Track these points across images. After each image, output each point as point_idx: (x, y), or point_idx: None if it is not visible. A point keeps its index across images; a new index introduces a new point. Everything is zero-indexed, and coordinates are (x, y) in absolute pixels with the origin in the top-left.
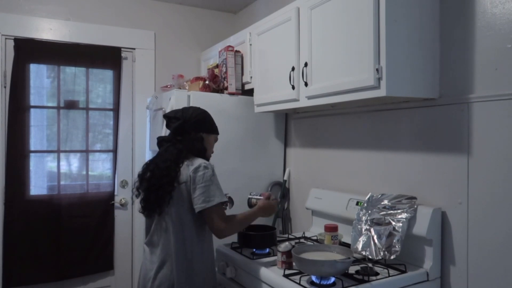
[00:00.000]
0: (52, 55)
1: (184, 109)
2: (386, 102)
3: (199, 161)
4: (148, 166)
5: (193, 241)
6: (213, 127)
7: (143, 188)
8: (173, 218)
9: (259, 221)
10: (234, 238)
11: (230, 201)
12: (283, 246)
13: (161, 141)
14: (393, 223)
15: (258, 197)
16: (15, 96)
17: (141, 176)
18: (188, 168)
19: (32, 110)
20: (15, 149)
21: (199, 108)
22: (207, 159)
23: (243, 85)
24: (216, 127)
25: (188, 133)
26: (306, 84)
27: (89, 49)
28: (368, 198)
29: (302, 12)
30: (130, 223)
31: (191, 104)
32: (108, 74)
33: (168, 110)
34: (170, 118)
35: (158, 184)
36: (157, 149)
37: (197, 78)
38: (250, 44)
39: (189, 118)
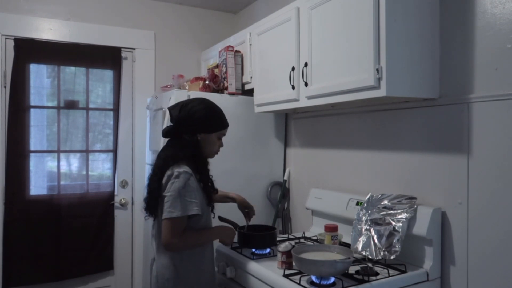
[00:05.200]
0: (52, 55)
1: (183, 105)
2: (386, 102)
3: (177, 169)
4: (153, 165)
5: None
6: (213, 125)
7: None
8: (158, 224)
9: (259, 221)
10: (234, 237)
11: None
12: (283, 246)
13: (165, 134)
14: (393, 223)
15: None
16: (15, 96)
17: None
18: (168, 176)
19: (32, 110)
20: (15, 149)
21: (200, 103)
22: (206, 159)
23: (243, 85)
24: (221, 122)
25: (181, 135)
26: (306, 84)
27: (89, 49)
28: (368, 198)
29: (302, 12)
30: (130, 223)
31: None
32: (108, 74)
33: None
34: (170, 113)
35: (149, 190)
36: (157, 149)
37: (197, 78)
38: (250, 44)
39: (183, 119)
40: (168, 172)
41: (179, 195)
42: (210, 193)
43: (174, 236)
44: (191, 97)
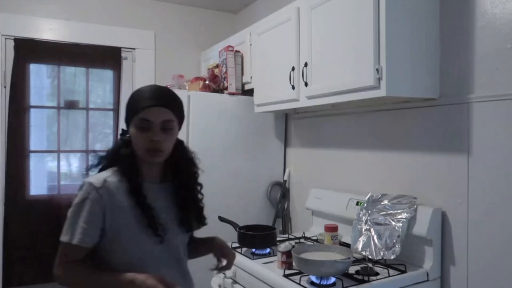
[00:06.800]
0: (52, 55)
1: None
2: (386, 102)
3: (86, 179)
4: None
5: None
6: (128, 110)
7: None
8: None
9: (259, 221)
10: (234, 237)
11: None
12: (283, 246)
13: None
14: (393, 223)
15: None
16: (15, 96)
17: None
18: None
19: (32, 110)
20: (15, 149)
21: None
22: (134, 160)
23: (243, 85)
24: (135, 104)
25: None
26: (306, 84)
27: (89, 49)
28: (368, 198)
29: (302, 12)
30: None
31: (191, 105)
32: (108, 74)
33: None
34: None
35: None
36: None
37: (197, 78)
38: (250, 44)
39: None
40: None
41: (72, 215)
42: (149, 215)
43: (59, 265)
44: (191, 97)
